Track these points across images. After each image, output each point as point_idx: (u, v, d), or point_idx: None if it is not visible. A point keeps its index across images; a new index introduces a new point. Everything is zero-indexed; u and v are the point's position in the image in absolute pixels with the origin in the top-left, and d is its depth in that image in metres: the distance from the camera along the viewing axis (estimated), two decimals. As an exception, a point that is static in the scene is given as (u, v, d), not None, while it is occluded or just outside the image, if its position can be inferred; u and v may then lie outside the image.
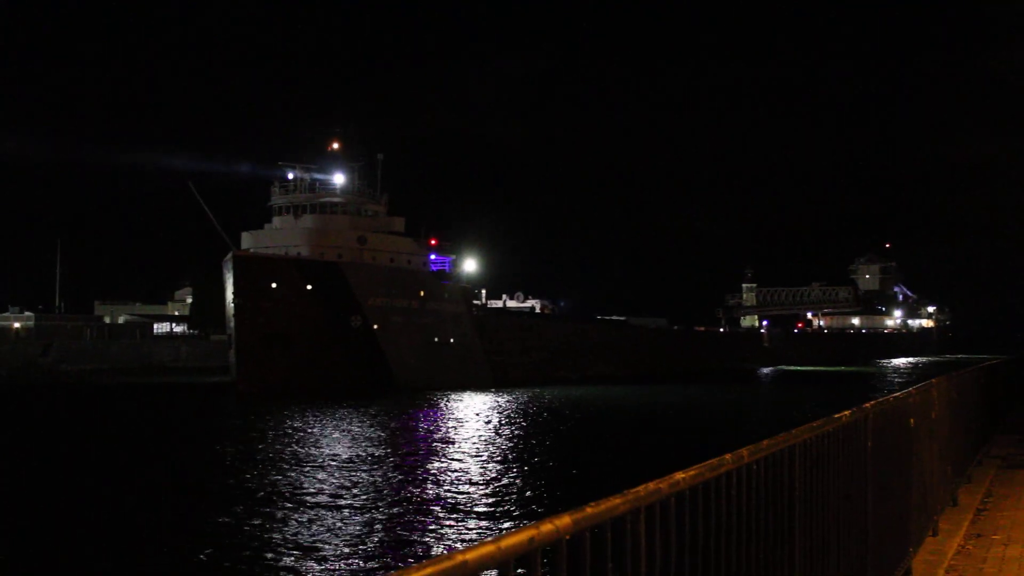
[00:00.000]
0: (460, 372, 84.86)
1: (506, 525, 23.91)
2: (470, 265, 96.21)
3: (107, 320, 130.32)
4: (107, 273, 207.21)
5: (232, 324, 75.52)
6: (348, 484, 30.24)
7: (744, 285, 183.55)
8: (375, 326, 79.26)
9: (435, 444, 41.21)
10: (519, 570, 3.11)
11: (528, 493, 28.74)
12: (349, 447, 39.74)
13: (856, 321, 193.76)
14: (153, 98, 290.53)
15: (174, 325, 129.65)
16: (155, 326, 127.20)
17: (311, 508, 26.29)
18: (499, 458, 36.25)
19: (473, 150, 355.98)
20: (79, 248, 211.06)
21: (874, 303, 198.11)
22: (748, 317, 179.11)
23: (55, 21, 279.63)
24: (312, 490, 29.25)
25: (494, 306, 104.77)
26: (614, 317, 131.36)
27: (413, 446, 40.58)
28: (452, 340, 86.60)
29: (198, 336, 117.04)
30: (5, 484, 32.29)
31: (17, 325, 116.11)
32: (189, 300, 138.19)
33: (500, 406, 61.29)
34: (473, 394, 72.71)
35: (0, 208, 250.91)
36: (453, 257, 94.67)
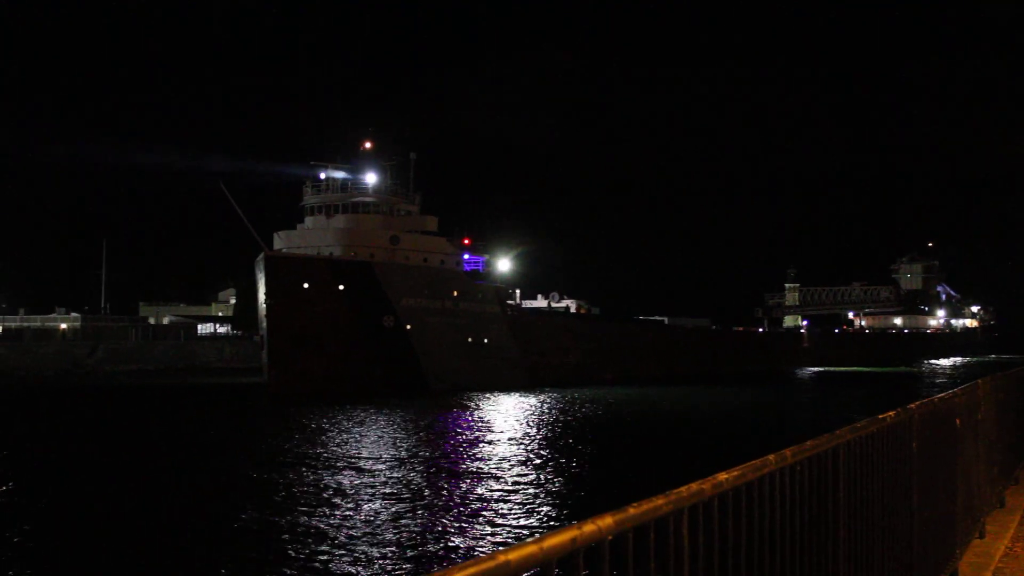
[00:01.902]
0: (494, 373, 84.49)
1: (548, 525, 23.89)
2: (504, 265, 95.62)
3: (152, 321, 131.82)
4: (152, 274, 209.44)
5: (264, 325, 75.57)
6: (384, 484, 30.29)
7: (787, 285, 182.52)
8: (408, 327, 78.89)
9: (471, 444, 41.09)
10: (561, 571, 3.11)
11: (569, 493, 28.68)
12: (383, 447, 39.76)
13: (898, 321, 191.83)
14: (190, 98, 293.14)
15: (218, 326, 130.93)
16: (199, 327, 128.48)
17: (348, 509, 26.32)
18: (537, 459, 36.15)
19: (507, 149, 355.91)
20: (124, 249, 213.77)
21: (916, 303, 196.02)
22: (790, 317, 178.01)
23: (92, 21, 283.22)
24: (349, 491, 29.30)
25: (529, 306, 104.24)
26: (653, 317, 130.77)
27: (448, 447, 40.48)
28: (486, 341, 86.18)
29: (241, 336, 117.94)
30: (15, 485, 32.68)
31: (64, 326, 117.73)
32: (232, 301, 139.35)
33: (536, 407, 61.10)
34: (507, 395, 72.41)
35: (46, 210, 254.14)
36: (487, 257, 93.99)
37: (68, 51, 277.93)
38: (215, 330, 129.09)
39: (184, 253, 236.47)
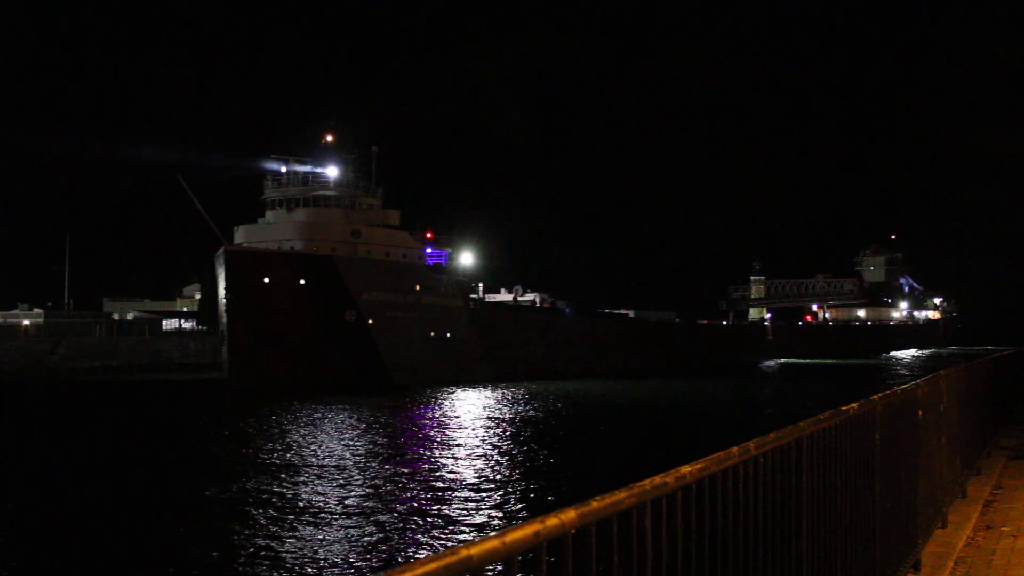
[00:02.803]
0: (457, 367, 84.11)
1: (511, 520, 23.90)
2: (467, 259, 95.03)
3: (116, 317, 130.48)
4: (116, 270, 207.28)
5: (224, 320, 74.88)
6: (345, 481, 30.15)
7: (752, 278, 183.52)
8: (370, 321, 78.39)
9: (433, 441, 40.92)
10: (524, 565, 3.10)
11: (532, 488, 28.70)
12: (345, 445, 39.49)
13: (862, 313, 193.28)
14: (148, 91, 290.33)
15: (183, 321, 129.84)
16: (164, 322, 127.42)
17: (307, 507, 26.17)
18: (500, 454, 36.15)
19: (471, 142, 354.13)
20: (87, 245, 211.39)
21: (880, 295, 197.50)
22: (754, 309, 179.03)
23: (54, 16, 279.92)
24: (308, 488, 29.11)
25: (492, 300, 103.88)
26: (619, 311, 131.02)
27: (410, 443, 40.33)
28: (449, 335, 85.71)
29: (207, 332, 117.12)
30: None
31: (26, 323, 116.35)
32: (198, 296, 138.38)
33: (499, 402, 61.04)
34: (471, 389, 72.28)
35: (8, 205, 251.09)
36: (449, 251, 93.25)
37: (22, 43, 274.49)
38: (180, 325, 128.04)
39: (149, 248, 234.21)
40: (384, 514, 24.76)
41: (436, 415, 52.25)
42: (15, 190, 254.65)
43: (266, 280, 73.37)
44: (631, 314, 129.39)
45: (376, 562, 20.01)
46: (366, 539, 21.99)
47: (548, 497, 26.90)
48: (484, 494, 27.50)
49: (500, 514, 24.66)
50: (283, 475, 31.33)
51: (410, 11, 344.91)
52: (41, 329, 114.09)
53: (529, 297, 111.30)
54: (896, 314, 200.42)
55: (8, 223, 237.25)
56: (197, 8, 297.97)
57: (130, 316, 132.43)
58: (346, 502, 26.39)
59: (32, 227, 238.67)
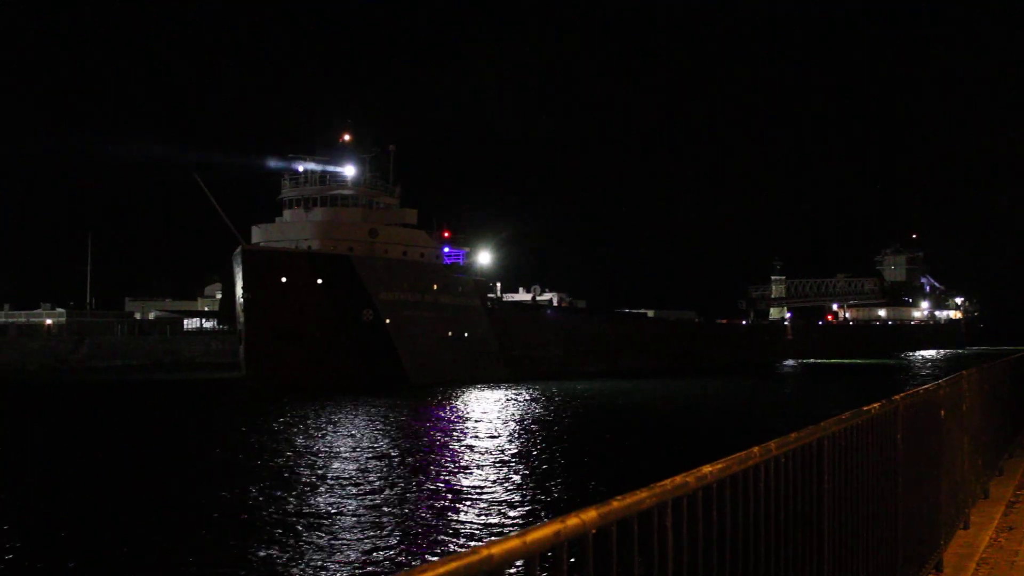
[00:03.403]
0: (474, 367, 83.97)
1: (531, 519, 23.88)
2: (484, 258, 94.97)
3: (138, 316, 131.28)
4: (137, 269, 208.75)
5: (241, 319, 74.94)
6: (364, 480, 30.16)
7: (773, 277, 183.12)
8: (387, 320, 78.34)
9: (451, 439, 40.91)
10: (545, 565, 3.09)
11: (552, 487, 28.65)
12: (363, 442, 39.52)
13: (882, 313, 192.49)
14: (172, 91, 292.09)
15: (204, 320, 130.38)
16: (185, 321, 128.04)
17: (328, 505, 26.16)
18: (518, 454, 36.06)
19: (489, 141, 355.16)
20: (110, 244, 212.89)
21: (900, 294, 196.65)
22: (775, 309, 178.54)
23: (78, 15, 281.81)
24: (329, 487, 29.12)
25: (510, 299, 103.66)
26: (638, 310, 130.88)
27: (428, 441, 40.32)
28: (466, 334, 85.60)
29: (227, 331, 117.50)
30: None
31: (49, 322, 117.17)
32: (219, 295, 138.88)
33: (517, 402, 60.91)
34: (488, 389, 72.23)
35: (30, 205, 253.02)
36: (467, 250, 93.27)
37: (45, 45, 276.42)
38: (201, 325, 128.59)
39: (170, 247, 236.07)
40: (403, 514, 24.78)
41: (454, 415, 52.20)
42: (38, 190, 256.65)
43: (283, 279, 73.44)
44: (650, 313, 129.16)
45: (396, 561, 20.03)
46: (385, 539, 22.01)
47: (568, 497, 26.87)
48: (504, 494, 27.48)
49: (520, 514, 24.64)
50: (297, 475, 31.33)
51: (430, 11, 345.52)
52: (63, 328, 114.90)
53: (547, 296, 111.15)
54: (917, 314, 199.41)
55: (31, 223, 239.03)
56: (218, 9, 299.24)
57: (151, 315, 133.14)
58: (364, 502, 26.41)
59: (55, 227, 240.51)
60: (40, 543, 22.58)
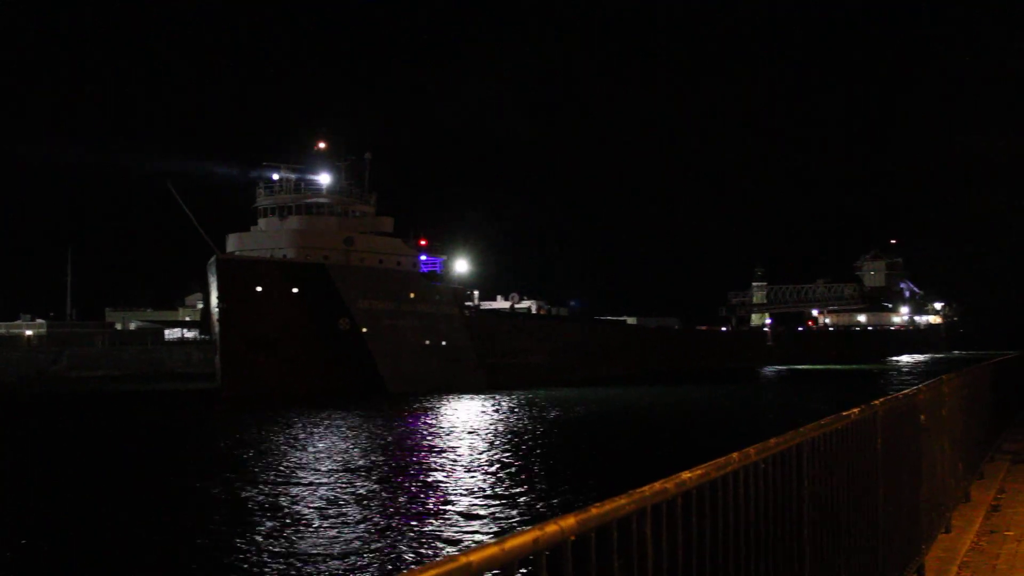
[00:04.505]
0: (452, 375, 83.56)
1: (509, 527, 23.83)
2: (462, 266, 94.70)
3: (118, 327, 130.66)
4: (118, 279, 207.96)
5: (216, 329, 74.39)
6: (342, 490, 29.97)
7: (754, 283, 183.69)
8: (363, 329, 77.92)
9: (429, 449, 40.66)
10: (524, 572, 3.08)
11: (531, 495, 28.60)
12: (341, 454, 39.18)
13: (862, 318, 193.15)
14: (145, 98, 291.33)
15: (185, 330, 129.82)
16: (166, 332, 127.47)
17: (304, 516, 25.98)
18: (497, 462, 35.97)
19: (466, 148, 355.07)
20: (89, 255, 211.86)
21: (880, 300, 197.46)
22: (756, 315, 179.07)
23: (53, 26, 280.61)
24: (304, 498, 28.90)
25: (488, 307, 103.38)
26: (619, 317, 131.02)
27: (406, 451, 40.05)
28: (444, 343, 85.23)
29: (209, 341, 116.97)
30: None
31: (29, 333, 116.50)
32: (200, 305, 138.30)
33: (495, 409, 60.74)
34: (466, 398, 71.94)
35: (10, 216, 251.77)
36: (444, 258, 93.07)
37: (22, 53, 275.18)
38: (183, 335, 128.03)
39: (151, 257, 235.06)
40: (381, 523, 24.68)
41: (431, 424, 52.02)
42: (17, 201, 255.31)
43: (258, 288, 73.02)
44: (630, 320, 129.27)
45: (375, 570, 19.96)
46: (362, 549, 21.92)
47: (547, 504, 26.84)
48: (482, 502, 27.44)
49: (498, 522, 24.59)
50: (271, 486, 31.01)
51: (408, 14, 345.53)
52: (44, 339, 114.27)
53: (526, 304, 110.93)
54: (897, 319, 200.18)
55: (10, 234, 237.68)
56: (193, 15, 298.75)
57: (132, 326, 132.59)
58: (340, 512, 26.24)
59: (34, 237, 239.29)
60: (30, 547, 22.43)
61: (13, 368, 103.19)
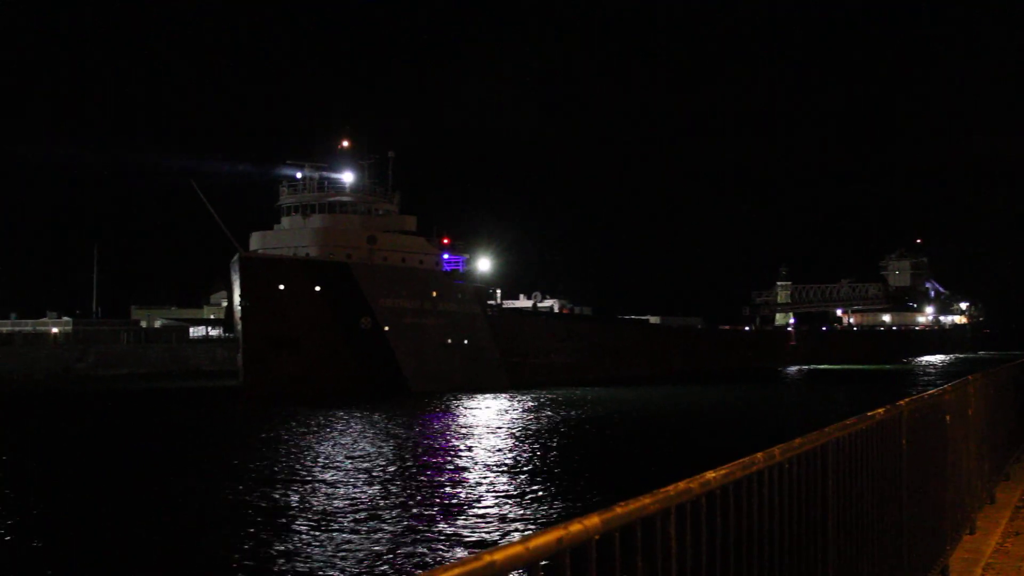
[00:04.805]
0: (474, 374, 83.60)
1: (533, 526, 23.83)
2: (484, 265, 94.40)
3: (144, 324, 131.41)
4: (143, 277, 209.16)
5: (239, 327, 74.68)
6: (364, 491, 29.96)
7: (778, 283, 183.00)
8: (386, 328, 77.92)
9: (452, 446, 40.75)
10: (548, 571, 3.09)
11: (554, 494, 28.59)
12: (363, 450, 39.41)
13: (887, 318, 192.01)
14: (173, 99, 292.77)
15: (210, 328, 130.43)
16: (191, 330, 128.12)
17: (330, 511, 26.12)
18: (520, 461, 35.94)
19: (490, 147, 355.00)
20: (116, 252, 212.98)
21: (905, 300, 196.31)
22: (780, 315, 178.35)
23: (74, 27, 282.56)
24: (330, 493, 29.09)
25: (510, 306, 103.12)
26: (643, 316, 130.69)
27: (428, 451, 40.05)
28: (466, 341, 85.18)
29: (233, 339, 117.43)
30: None
31: (55, 330, 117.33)
32: (224, 303, 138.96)
33: (517, 409, 60.67)
34: (488, 397, 71.96)
35: (36, 214, 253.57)
36: (466, 256, 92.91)
37: (50, 53, 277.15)
38: (207, 333, 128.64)
39: (176, 255, 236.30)
40: (404, 523, 24.72)
41: (454, 423, 51.98)
42: (44, 199, 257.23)
43: (281, 287, 73.16)
44: (653, 320, 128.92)
45: (398, 568, 20.00)
46: (387, 547, 21.97)
47: (571, 503, 26.82)
48: (505, 500, 27.45)
49: (523, 520, 24.60)
50: (296, 484, 31.16)
51: (428, 17, 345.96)
52: (70, 337, 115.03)
53: (548, 303, 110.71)
54: (922, 319, 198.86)
55: (37, 232, 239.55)
56: (214, 15, 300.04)
57: (157, 324, 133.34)
58: (363, 512, 26.26)
59: (61, 236, 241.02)
60: (41, 543, 22.60)
61: (40, 366, 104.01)
